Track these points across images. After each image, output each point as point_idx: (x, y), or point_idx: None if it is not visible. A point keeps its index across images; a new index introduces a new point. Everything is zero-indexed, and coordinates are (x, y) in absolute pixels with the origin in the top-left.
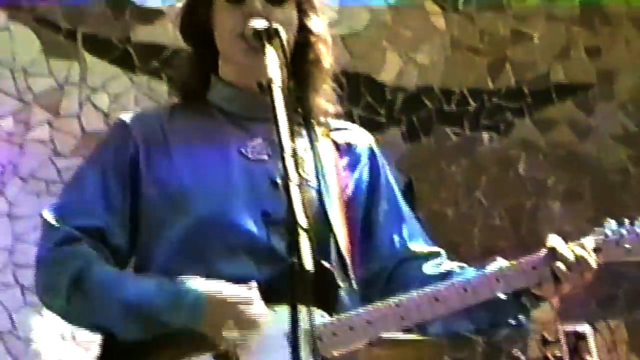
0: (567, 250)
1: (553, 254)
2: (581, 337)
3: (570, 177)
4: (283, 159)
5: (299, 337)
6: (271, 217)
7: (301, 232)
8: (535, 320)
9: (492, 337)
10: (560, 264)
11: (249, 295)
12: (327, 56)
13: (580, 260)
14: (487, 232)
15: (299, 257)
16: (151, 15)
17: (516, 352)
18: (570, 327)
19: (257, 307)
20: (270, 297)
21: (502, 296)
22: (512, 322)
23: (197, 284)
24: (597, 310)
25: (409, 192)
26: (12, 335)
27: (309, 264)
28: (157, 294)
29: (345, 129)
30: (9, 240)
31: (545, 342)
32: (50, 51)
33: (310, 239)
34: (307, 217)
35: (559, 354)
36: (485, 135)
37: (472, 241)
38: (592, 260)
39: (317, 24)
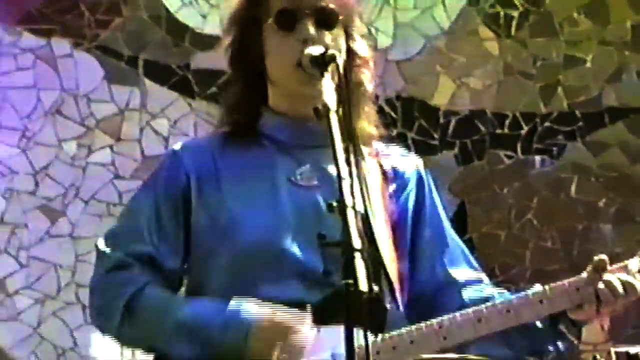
0: (611, 274)
1: (597, 275)
2: (634, 358)
3: (622, 200)
4: (340, 183)
5: (354, 356)
6: (326, 240)
7: (357, 254)
8: (586, 342)
9: None
10: (603, 287)
11: (300, 320)
12: (371, 80)
13: (625, 285)
14: (539, 255)
15: (355, 279)
16: (209, 42)
17: None
18: (622, 348)
19: (306, 333)
20: (317, 319)
21: (539, 324)
22: (551, 349)
23: (250, 307)
24: None
25: (461, 215)
26: (73, 352)
27: (364, 285)
28: (211, 314)
29: (393, 154)
30: (72, 261)
31: None
32: (112, 78)
33: (364, 260)
34: (361, 239)
35: None
36: (537, 159)
37: (524, 264)
38: (638, 284)
39: (363, 47)
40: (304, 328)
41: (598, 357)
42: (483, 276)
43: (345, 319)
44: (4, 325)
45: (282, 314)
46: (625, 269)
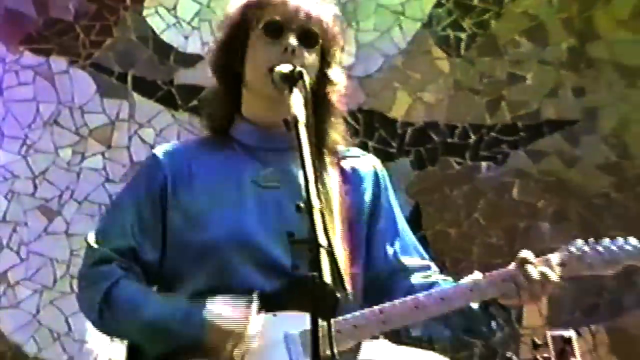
0: (532, 266)
1: (520, 268)
2: (567, 341)
3: (558, 201)
4: (307, 187)
5: (318, 339)
6: (295, 238)
7: (322, 250)
8: (526, 326)
9: (488, 341)
10: (522, 278)
11: (245, 314)
12: (342, 102)
13: (542, 274)
14: (485, 250)
15: (320, 272)
16: (191, 60)
17: (510, 354)
18: (557, 332)
19: (253, 323)
20: (274, 305)
21: (475, 306)
22: (484, 329)
23: (206, 306)
24: (581, 317)
25: (416, 215)
26: (68, 337)
27: (328, 277)
28: (172, 312)
29: (354, 156)
30: (67, 255)
31: (535, 345)
32: (104, 92)
33: (330, 255)
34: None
35: (547, 356)
36: (483, 165)
37: (471, 258)
38: (554, 275)
39: (337, 74)
40: (252, 321)
41: (536, 339)
42: (431, 264)
43: (312, 307)
44: (6, 312)
45: (229, 312)
46: (546, 262)
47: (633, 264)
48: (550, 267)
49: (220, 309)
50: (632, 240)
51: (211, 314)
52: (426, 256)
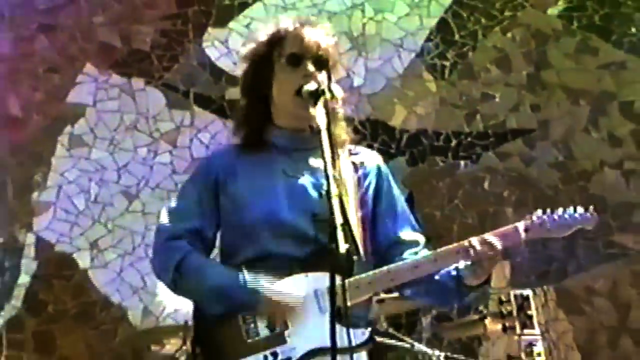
0: (478, 238)
1: (469, 242)
2: (525, 298)
3: (519, 192)
4: (328, 179)
5: (335, 294)
6: (318, 216)
7: (339, 227)
8: (493, 287)
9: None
10: (471, 248)
11: (297, 298)
12: (341, 108)
13: (487, 242)
14: (463, 229)
15: (337, 243)
16: (239, 81)
17: (481, 308)
18: (517, 291)
19: (292, 297)
20: (306, 267)
21: (450, 284)
22: (456, 302)
23: (261, 282)
24: (535, 280)
25: (409, 200)
26: (143, 291)
27: (343, 247)
28: (233, 283)
29: (361, 152)
30: (143, 229)
31: (500, 301)
32: (171, 104)
33: (344, 231)
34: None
35: (510, 309)
36: (462, 163)
37: (452, 234)
38: (498, 242)
39: (338, 88)
40: (291, 295)
41: (502, 297)
42: (421, 238)
43: (330, 269)
44: (97, 271)
45: (275, 288)
46: (514, 228)
47: (581, 227)
48: (517, 232)
49: (278, 289)
50: (579, 209)
51: (267, 291)
52: (418, 228)
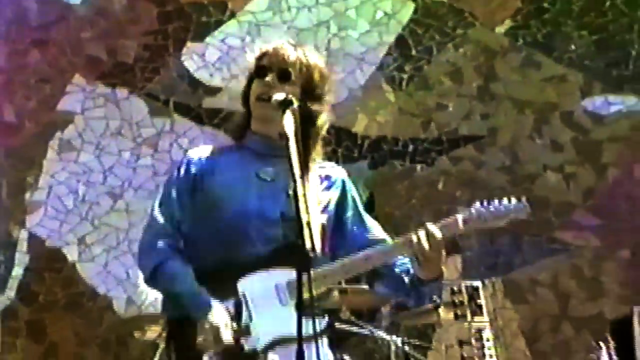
0: (422, 229)
1: (415, 232)
2: (475, 289)
3: (470, 192)
4: (295, 182)
5: (302, 286)
6: (285, 216)
7: (305, 225)
8: (446, 278)
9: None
10: (415, 239)
11: (228, 338)
12: (320, 128)
13: (429, 233)
14: (420, 226)
15: (303, 240)
16: (215, 91)
17: (435, 298)
18: (468, 283)
19: (223, 335)
20: (268, 264)
21: (406, 279)
22: (414, 295)
23: (215, 308)
24: (484, 272)
25: (370, 200)
26: (127, 282)
27: (308, 244)
28: (189, 296)
29: (328, 167)
30: (127, 225)
31: (453, 292)
32: (153, 112)
33: (309, 229)
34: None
35: (461, 299)
36: (418, 166)
37: (409, 232)
38: (438, 232)
39: (317, 106)
40: (226, 339)
41: (454, 288)
42: (387, 238)
43: (297, 265)
44: (85, 264)
45: (217, 316)
46: (455, 220)
47: (515, 217)
48: (456, 223)
49: (217, 314)
50: (513, 200)
51: (212, 322)
52: (383, 233)
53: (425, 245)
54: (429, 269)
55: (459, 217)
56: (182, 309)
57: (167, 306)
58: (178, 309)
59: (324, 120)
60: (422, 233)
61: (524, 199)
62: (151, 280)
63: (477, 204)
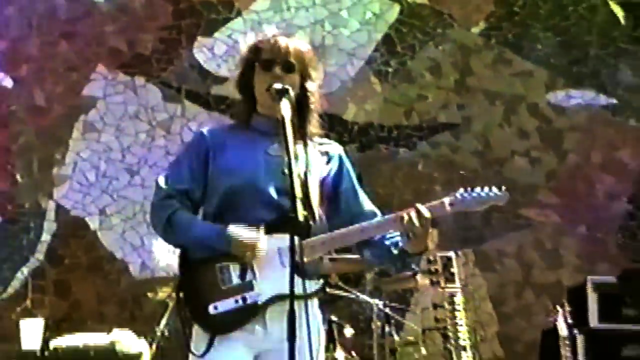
0: (413, 208)
1: (404, 211)
2: (449, 258)
3: (446, 174)
4: (289, 159)
5: (295, 252)
6: (280, 189)
7: (298, 199)
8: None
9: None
10: (405, 216)
11: (256, 235)
12: (315, 104)
13: (419, 212)
14: (402, 203)
15: (295, 211)
16: (221, 80)
17: (414, 266)
18: (443, 253)
19: (260, 242)
20: (272, 229)
21: (395, 251)
22: (399, 265)
23: (231, 229)
24: (457, 244)
25: (359, 180)
26: (142, 249)
27: (301, 215)
28: (210, 234)
29: (326, 143)
30: (142, 199)
31: (429, 261)
32: (166, 98)
33: (302, 202)
34: (302, 192)
35: (436, 267)
36: (401, 150)
37: (392, 208)
38: (427, 212)
39: (311, 85)
40: (259, 240)
41: (430, 258)
42: (377, 210)
43: (290, 233)
44: (105, 232)
45: (246, 233)
46: (441, 202)
47: (494, 203)
48: (444, 206)
49: (241, 231)
50: (494, 188)
51: (234, 234)
52: (372, 205)
53: (416, 222)
54: (416, 244)
55: (446, 201)
56: (206, 246)
57: (186, 260)
58: (202, 249)
59: (316, 98)
60: (413, 212)
61: (503, 188)
62: (166, 233)
63: (462, 190)
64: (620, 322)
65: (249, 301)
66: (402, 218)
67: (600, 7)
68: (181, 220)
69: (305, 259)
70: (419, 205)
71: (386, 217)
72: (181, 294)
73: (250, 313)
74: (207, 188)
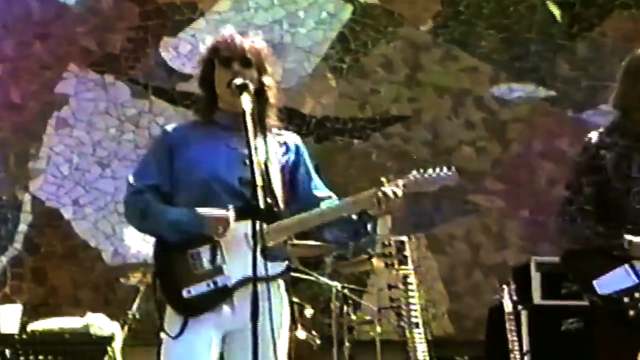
0: (386, 187)
1: (378, 190)
2: (402, 242)
3: (398, 163)
4: (250, 151)
5: (257, 237)
6: (243, 179)
7: (259, 188)
8: (379, 234)
9: (358, 242)
10: (380, 194)
11: (227, 214)
12: (273, 97)
13: (393, 191)
14: (357, 191)
15: (257, 199)
16: (186, 77)
17: (370, 250)
18: (396, 237)
19: (230, 221)
20: (238, 216)
21: (354, 217)
22: (361, 230)
23: (202, 210)
24: (410, 228)
25: (317, 170)
26: (114, 237)
27: (262, 203)
28: (184, 217)
29: (283, 134)
30: (113, 190)
31: (384, 245)
32: (135, 95)
33: (264, 190)
34: (262, 179)
35: (390, 251)
36: (356, 141)
37: (347, 195)
38: (400, 192)
39: (268, 80)
40: (229, 219)
41: (385, 242)
42: (333, 195)
43: (252, 219)
44: (78, 222)
45: (217, 213)
46: (395, 184)
47: (445, 184)
48: (398, 186)
49: (211, 210)
50: (445, 169)
51: (205, 212)
52: (328, 190)
53: (390, 196)
54: (381, 211)
55: (400, 182)
56: (181, 229)
57: (160, 247)
58: (178, 232)
59: (275, 91)
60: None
61: (453, 168)
62: (142, 223)
63: (414, 171)
64: (560, 298)
65: (219, 284)
66: (377, 196)
67: (539, 6)
68: (155, 209)
69: (269, 243)
70: (383, 187)
71: (343, 200)
72: (157, 279)
73: (220, 295)
74: (175, 183)
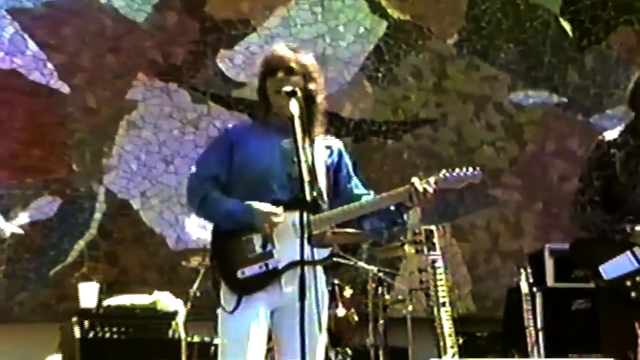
0: (418, 184)
1: (411, 186)
2: (431, 231)
3: (427, 161)
4: (298, 152)
5: (304, 226)
6: (291, 175)
7: (306, 183)
8: (410, 223)
9: (392, 231)
10: (412, 189)
11: (276, 210)
12: (320, 105)
13: (424, 188)
14: (390, 186)
15: (304, 193)
16: (241, 85)
17: (402, 238)
18: (425, 227)
19: (279, 214)
20: (287, 207)
21: (392, 208)
22: (399, 220)
23: (254, 204)
24: (437, 219)
25: (355, 167)
26: (176, 225)
27: (308, 196)
28: (237, 208)
29: (329, 139)
30: (175, 184)
31: (414, 233)
32: (194, 100)
33: (310, 185)
34: (309, 177)
35: (420, 239)
36: (389, 141)
37: (382, 190)
38: (430, 188)
39: (313, 86)
40: (278, 213)
41: (415, 230)
42: (371, 192)
43: (300, 210)
44: (146, 212)
45: (268, 208)
46: (427, 181)
47: (471, 181)
48: (429, 183)
49: (263, 205)
50: (471, 169)
51: (257, 207)
52: (367, 188)
53: (420, 190)
54: (415, 204)
55: (432, 180)
56: (234, 220)
57: (218, 232)
58: (231, 222)
59: (321, 98)
60: (412, 188)
61: (478, 168)
62: (201, 210)
63: (444, 170)
64: (571, 281)
65: (270, 267)
66: (410, 191)
67: (552, 22)
68: (213, 198)
69: (314, 232)
70: (416, 183)
71: (379, 195)
72: (214, 262)
73: (271, 277)
74: (232, 175)
